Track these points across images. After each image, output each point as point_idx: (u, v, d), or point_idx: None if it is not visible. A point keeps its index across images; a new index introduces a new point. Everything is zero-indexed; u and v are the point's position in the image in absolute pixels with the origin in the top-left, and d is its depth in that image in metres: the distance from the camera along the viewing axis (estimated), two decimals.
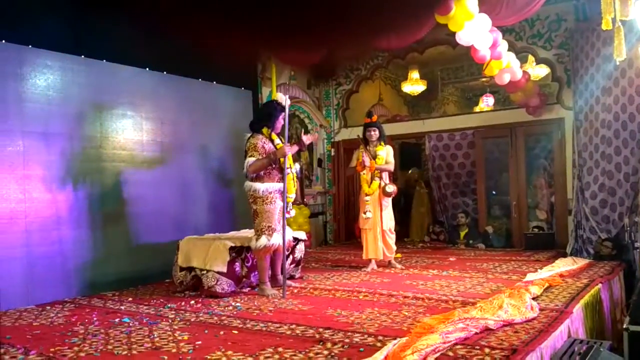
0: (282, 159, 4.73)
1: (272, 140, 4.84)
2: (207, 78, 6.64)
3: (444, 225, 8.68)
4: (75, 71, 5.24)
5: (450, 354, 2.86)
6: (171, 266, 5.14)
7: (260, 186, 4.74)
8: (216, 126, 6.73)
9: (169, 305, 4.43)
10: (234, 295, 4.76)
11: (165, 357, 3.02)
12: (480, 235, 8.07)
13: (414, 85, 9.89)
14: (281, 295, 4.66)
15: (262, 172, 4.74)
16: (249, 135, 4.89)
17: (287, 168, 4.80)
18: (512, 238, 7.99)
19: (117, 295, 4.99)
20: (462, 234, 8.12)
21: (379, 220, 5.93)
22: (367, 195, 5.92)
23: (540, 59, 7.44)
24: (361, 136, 6.09)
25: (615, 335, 4.58)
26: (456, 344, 3.00)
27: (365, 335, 3.31)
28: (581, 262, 5.80)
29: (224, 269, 4.75)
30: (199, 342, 3.29)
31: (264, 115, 4.93)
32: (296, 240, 5.59)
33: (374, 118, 6.08)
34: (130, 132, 5.74)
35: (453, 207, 8.77)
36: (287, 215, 4.85)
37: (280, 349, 3.08)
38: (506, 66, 6.16)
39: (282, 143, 4.85)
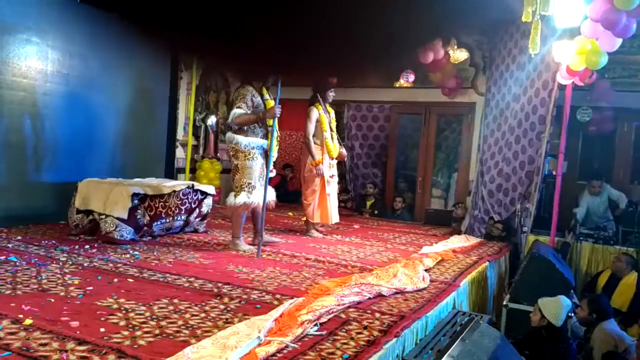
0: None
1: (261, 95, 4.69)
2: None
3: (350, 194, 8.89)
4: None
5: (343, 316, 2.96)
6: (67, 207, 4.89)
7: (242, 140, 4.61)
8: (130, 66, 6.37)
9: (62, 248, 4.22)
10: (132, 243, 4.61)
11: (52, 300, 2.89)
12: (385, 207, 8.35)
13: None
14: (255, 253, 4.53)
15: (245, 127, 4.61)
16: (238, 85, 4.72)
17: (270, 126, 4.67)
18: (414, 212, 8.36)
19: (5, 232, 4.67)
20: (369, 203, 8.36)
21: (337, 184, 5.90)
22: (332, 158, 5.72)
23: (462, 43, 7.68)
24: (319, 96, 5.70)
25: (495, 311, 4.96)
26: (350, 307, 3.11)
27: (264, 293, 3.35)
28: (473, 240, 6.16)
29: (125, 216, 4.59)
30: (90, 288, 3.17)
31: None
32: (204, 194, 5.51)
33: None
34: (33, 61, 5.29)
35: (363, 177, 8.99)
36: (269, 175, 4.77)
37: (175, 301, 3.04)
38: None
39: (271, 99, 4.70)
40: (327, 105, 5.83)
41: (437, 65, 7.38)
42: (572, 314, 4.12)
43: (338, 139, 5.91)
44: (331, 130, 5.76)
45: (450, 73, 7.69)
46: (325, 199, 5.65)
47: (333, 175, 5.75)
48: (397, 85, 8.43)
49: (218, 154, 8.20)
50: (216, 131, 8.19)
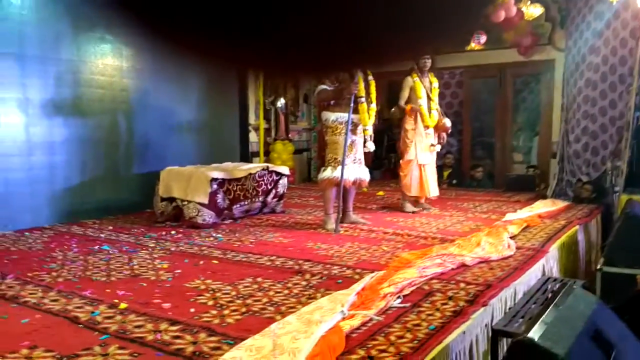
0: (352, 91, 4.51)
1: None
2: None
3: None
4: None
5: (426, 287, 2.90)
6: (152, 196, 5.11)
7: (330, 115, 4.65)
8: None
9: (150, 235, 4.42)
10: (215, 226, 4.76)
11: (144, 284, 3.03)
12: (463, 175, 8.12)
13: None
14: (339, 230, 4.51)
15: (332, 102, 4.61)
16: None
17: (361, 97, 4.61)
18: (494, 179, 8.07)
19: (97, 223, 4.96)
20: (446, 174, 8.15)
21: (435, 155, 5.70)
22: (427, 127, 5.50)
23: None
24: (416, 65, 5.53)
25: (588, 276, 4.69)
26: (432, 278, 3.05)
27: (344, 268, 3.34)
28: (560, 204, 5.86)
29: (206, 200, 4.73)
30: (179, 271, 3.31)
31: None
32: (279, 175, 5.57)
33: None
34: (109, 58, 5.53)
35: None
36: (365, 150, 4.73)
37: (259, 279, 3.10)
38: (501, 2, 5.99)
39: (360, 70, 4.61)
40: (431, 75, 5.65)
41: (510, 23, 6.99)
42: None
43: (439, 110, 5.67)
44: (429, 99, 5.54)
45: (525, 30, 7.27)
46: (419, 169, 5.46)
47: (434, 145, 5.54)
48: (468, 49, 8.09)
49: (289, 135, 8.26)
50: (286, 113, 8.24)
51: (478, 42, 7.68)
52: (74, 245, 4.02)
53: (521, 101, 8.47)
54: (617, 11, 5.84)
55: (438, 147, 5.66)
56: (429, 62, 5.54)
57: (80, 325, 2.40)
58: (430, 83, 5.60)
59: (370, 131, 4.79)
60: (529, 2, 7.46)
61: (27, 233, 4.48)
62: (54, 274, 3.24)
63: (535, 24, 7.43)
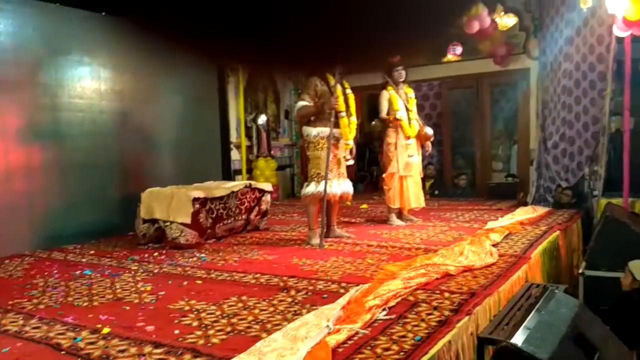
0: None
1: (327, 82, 4.61)
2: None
3: None
4: (28, 15, 4.96)
5: (411, 298, 2.91)
6: (134, 219, 5.06)
7: (312, 131, 4.62)
8: (178, 74, 6.50)
9: (132, 257, 4.37)
10: (198, 246, 4.72)
11: (127, 308, 3.00)
12: (445, 186, 8.18)
13: None
14: (324, 245, 4.49)
15: (313, 117, 4.60)
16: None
17: (342, 112, 4.61)
18: (475, 188, 8.14)
19: (79, 248, 4.90)
20: (428, 184, 8.20)
21: (419, 165, 5.70)
22: (409, 138, 5.49)
23: (508, 8, 7.37)
24: (389, 78, 5.56)
25: (571, 281, 4.75)
26: (417, 289, 3.06)
27: (329, 283, 3.34)
28: (541, 210, 5.93)
29: (188, 220, 4.70)
30: (162, 293, 3.27)
31: None
32: (262, 191, 5.56)
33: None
34: (87, 80, 5.50)
35: None
36: (347, 163, 4.73)
37: (244, 298, 3.08)
38: (474, 13, 6.11)
39: (338, 86, 4.63)
40: (406, 86, 5.66)
41: (484, 34, 7.13)
42: None
43: (418, 120, 5.69)
44: (407, 110, 5.55)
45: (500, 40, 7.41)
46: (400, 181, 5.46)
47: (412, 156, 5.53)
48: (445, 60, 8.20)
49: (272, 152, 8.27)
50: (267, 129, 8.25)
51: (454, 53, 7.80)
52: (55, 271, 3.96)
53: (499, 110, 8.59)
54: (585, 18, 5.98)
55: (415, 159, 5.64)
56: (403, 73, 5.57)
57: (63, 352, 2.36)
58: (406, 94, 5.64)
59: (352, 145, 4.82)
60: (503, 13, 7.61)
61: (7, 261, 4.41)
62: (35, 301, 3.19)
63: (509, 33, 7.56)
